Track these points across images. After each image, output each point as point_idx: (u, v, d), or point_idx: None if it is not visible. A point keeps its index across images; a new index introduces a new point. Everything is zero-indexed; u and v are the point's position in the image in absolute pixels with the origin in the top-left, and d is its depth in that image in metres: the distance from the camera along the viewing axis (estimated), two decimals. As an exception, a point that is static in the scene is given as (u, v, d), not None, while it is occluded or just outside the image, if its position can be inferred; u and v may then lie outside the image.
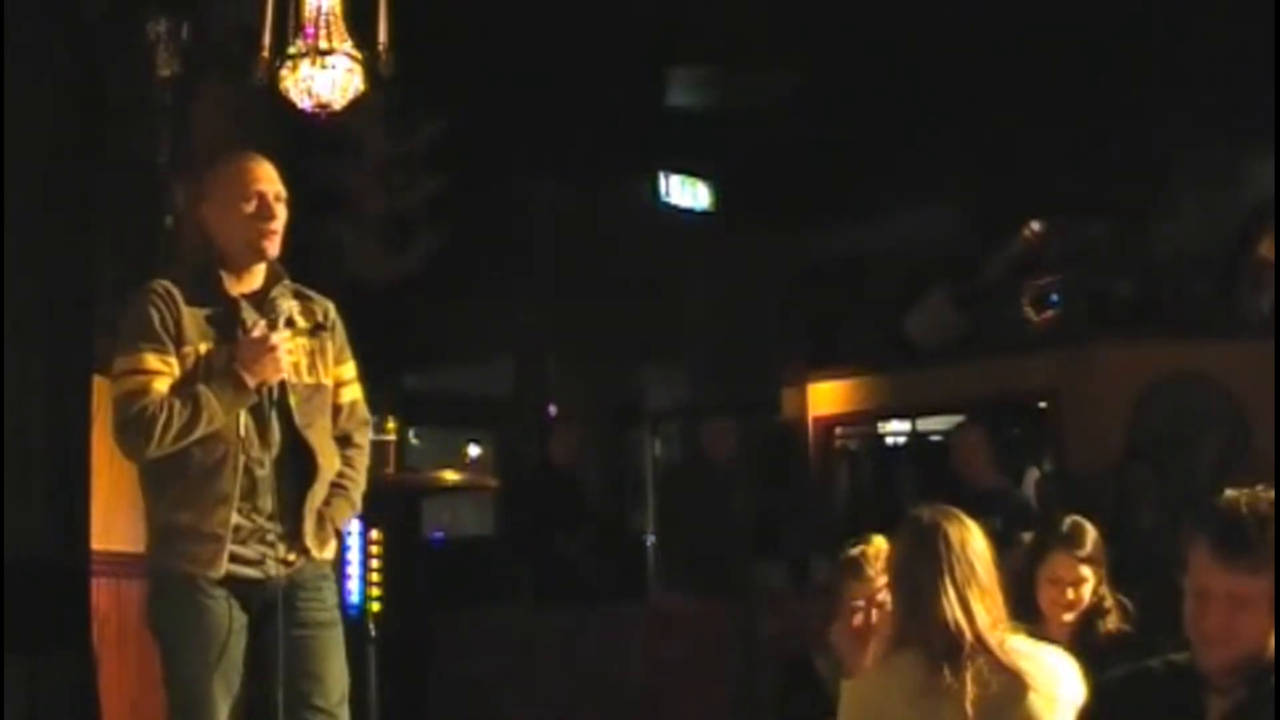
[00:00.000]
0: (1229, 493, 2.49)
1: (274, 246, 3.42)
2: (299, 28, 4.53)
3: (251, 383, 3.27)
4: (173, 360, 3.28)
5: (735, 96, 10.40)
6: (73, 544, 4.19)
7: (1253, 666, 2.43)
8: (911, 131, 9.30)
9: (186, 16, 4.72)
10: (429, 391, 10.01)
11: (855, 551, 3.67)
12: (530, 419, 10.07)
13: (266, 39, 4.48)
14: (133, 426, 3.23)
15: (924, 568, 3.06)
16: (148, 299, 3.31)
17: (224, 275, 3.41)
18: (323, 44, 4.49)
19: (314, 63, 4.49)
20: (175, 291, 3.33)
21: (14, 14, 3.91)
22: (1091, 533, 3.95)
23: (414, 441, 9.45)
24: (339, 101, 4.55)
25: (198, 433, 3.23)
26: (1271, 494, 2.46)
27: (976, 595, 3.03)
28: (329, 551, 3.46)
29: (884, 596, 3.60)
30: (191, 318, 3.32)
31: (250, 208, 3.38)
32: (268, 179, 3.43)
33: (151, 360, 3.26)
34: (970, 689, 2.93)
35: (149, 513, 3.36)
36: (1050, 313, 8.61)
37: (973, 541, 3.10)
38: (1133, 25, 8.25)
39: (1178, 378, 8.02)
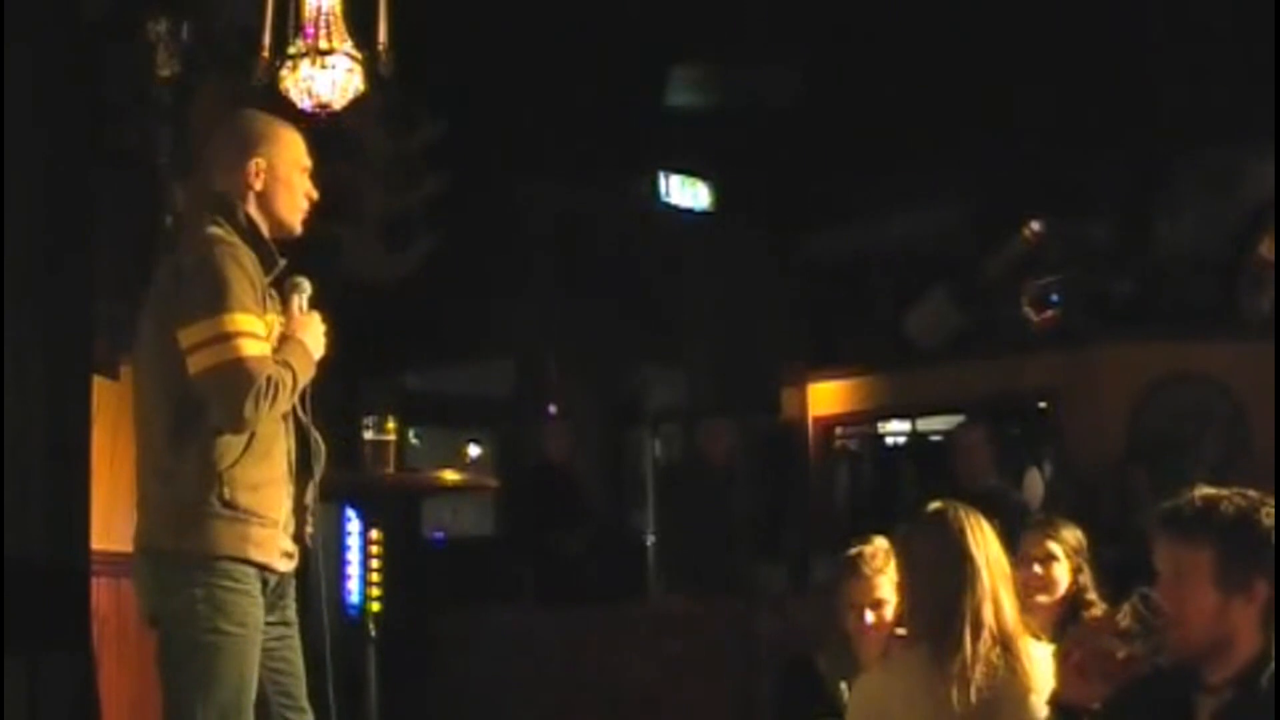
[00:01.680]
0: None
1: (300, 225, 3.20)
2: (299, 28, 4.53)
3: (316, 357, 3.09)
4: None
5: (735, 96, 10.40)
6: (73, 544, 4.18)
7: (1212, 658, 2.48)
8: (912, 131, 9.30)
9: (186, 16, 4.71)
10: (429, 391, 10.01)
11: (855, 551, 3.68)
12: (530, 419, 10.06)
13: (266, 39, 4.48)
14: (264, 394, 2.91)
15: (953, 565, 3.04)
16: (240, 257, 2.98)
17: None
18: (323, 44, 4.50)
19: (314, 63, 4.49)
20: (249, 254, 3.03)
21: (14, 13, 3.91)
22: (1066, 522, 4.01)
23: (414, 441, 9.44)
24: (339, 101, 4.55)
25: (284, 407, 3.00)
26: (1241, 491, 2.52)
27: (1006, 596, 3.03)
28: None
29: (883, 595, 3.61)
30: (263, 285, 3.04)
31: (305, 180, 3.18)
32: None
33: (260, 325, 2.97)
34: (973, 690, 2.93)
35: (198, 496, 2.96)
36: (1050, 313, 8.61)
37: (997, 543, 3.12)
38: (1133, 26, 8.26)
39: (1178, 378, 8.03)
